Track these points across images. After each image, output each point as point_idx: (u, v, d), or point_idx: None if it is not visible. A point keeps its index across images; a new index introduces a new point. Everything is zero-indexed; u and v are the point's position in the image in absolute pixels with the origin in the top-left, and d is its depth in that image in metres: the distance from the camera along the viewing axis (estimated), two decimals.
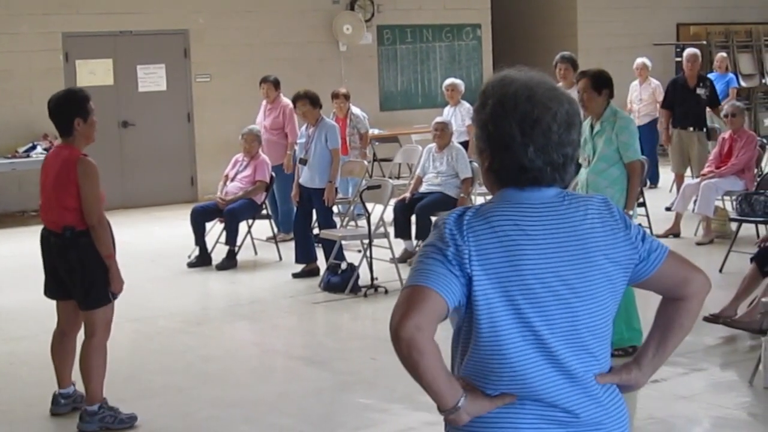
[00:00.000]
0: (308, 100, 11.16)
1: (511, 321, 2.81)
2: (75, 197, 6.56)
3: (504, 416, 2.84)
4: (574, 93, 8.21)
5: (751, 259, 8.28)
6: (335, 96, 13.87)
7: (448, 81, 15.01)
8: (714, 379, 7.25)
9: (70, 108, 6.64)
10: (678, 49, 20.13)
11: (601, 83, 7.72)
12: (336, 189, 11.15)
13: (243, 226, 11.94)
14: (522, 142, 2.84)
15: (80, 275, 6.58)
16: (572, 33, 20.79)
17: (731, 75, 18.59)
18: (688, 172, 13.76)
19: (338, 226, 11.55)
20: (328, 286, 10.30)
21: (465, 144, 13.21)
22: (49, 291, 6.91)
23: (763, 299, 7.46)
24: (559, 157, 2.88)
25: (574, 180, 7.94)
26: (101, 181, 6.76)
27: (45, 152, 14.97)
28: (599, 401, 2.88)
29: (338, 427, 6.66)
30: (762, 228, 10.59)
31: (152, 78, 16.74)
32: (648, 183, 16.49)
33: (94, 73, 16.23)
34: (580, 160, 8.02)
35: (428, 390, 2.77)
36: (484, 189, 14.03)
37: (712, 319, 8.19)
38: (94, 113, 6.74)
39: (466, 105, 14.47)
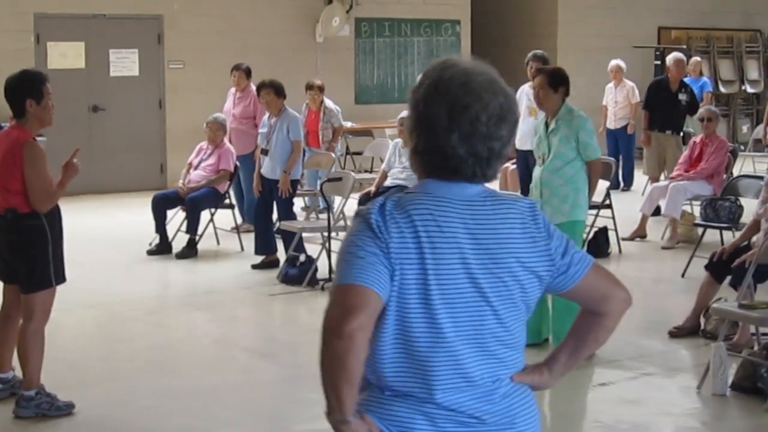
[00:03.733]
0: (273, 90, 11.03)
1: (420, 319, 2.74)
2: (19, 180, 6.41)
3: (404, 418, 2.76)
4: None
5: (705, 268, 8.20)
6: (309, 87, 13.75)
7: None
8: (663, 385, 7.15)
9: (23, 88, 6.52)
10: (658, 53, 20.08)
11: (557, 81, 7.62)
12: (300, 181, 11.02)
13: (206, 216, 11.81)
14: (447, 127, 2.77)
15: (22, 258, 6.44)
16: (552, 32, 20.69)
17: (705, 79, 18.58)
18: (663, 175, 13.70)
19: (304, 218, 11.43)
20: (286, 278, 10.18)
21: None
22: None
23: (714, 305, 7.37)
24: (484, 150, 2.79)
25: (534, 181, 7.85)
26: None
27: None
28: (502, 405, 2.82)
29: (279, 420, 6.56)
30: (727, 234, 10.50)
31: (124, 63, 16.58)
32: (622, 185, 16.47)
33: (65, 56, 16.08)
34: (536, 158, 7.94)
35: (333, 392, 2.69)
36: None
37: (677, 333, 8.12)
38: (50, 97, 6.60)
39: None
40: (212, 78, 16.55)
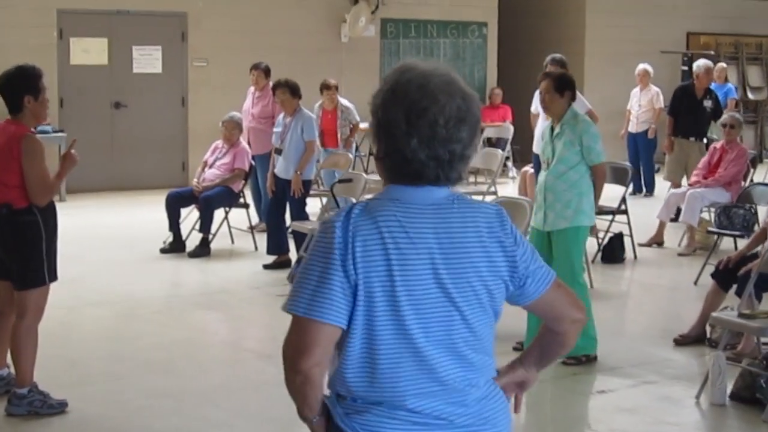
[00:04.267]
0: (288, 89, 11.01)
1: (389, 327, 2.73)
2: (17, 174, 6.39)
3: (375, 424, 2.76)
4: None
5: (712, 276, 8.10)
6: (327, 87, 13.70)
7: None
8: (661, 393, 7.04)
9: (20, 84, 6.51)
10: (686, 58, 19.91)
11: (563, 85, 7.54)
12: (318, 181, 10.97)
13: (220, 215, 11.80)
14: (406, 132, 2.74)
15: (17, 254, 6.42)
16: (579, 36, 20.55)
17: (730, 85, 18.39)
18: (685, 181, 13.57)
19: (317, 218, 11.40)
20: None
21: None
22: None
23: (714, 314, 7.26)
24: (445, 153, 2.76)
25: (538, 184, 7.78)
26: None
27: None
28: (476, 408, 2.80)
29: (269, 422, 6.50)
30: (741, 241, 10.36)
31: (148, 60, 16.61)
32: (644, 190, 16.35)
33: (88, 52, 16.12)
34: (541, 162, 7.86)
35: (299, 408, 2.83)
36: (466, 187, 13.89)
37: (682, 341, 8.03)
38: (46, 92, 6.59)
39: None
40: (236, 77, 16.50)
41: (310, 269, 2.75)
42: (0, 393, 6.74)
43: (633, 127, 16.40)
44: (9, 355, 6.64)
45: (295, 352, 2.73)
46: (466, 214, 2.80)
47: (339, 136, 13.63)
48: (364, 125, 14.62)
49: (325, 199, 13.23)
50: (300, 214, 10.86)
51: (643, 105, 16.34)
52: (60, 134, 15.04)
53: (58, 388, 6.69)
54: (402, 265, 2.71)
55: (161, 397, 6.88)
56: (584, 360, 7.52)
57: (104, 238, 12.51)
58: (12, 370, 6.75)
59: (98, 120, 16.15)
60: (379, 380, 2.74)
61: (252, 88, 13.26)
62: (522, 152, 17.89)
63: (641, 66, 16.56)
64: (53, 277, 6.56)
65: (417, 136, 2.73)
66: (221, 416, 6.54)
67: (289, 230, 11.01)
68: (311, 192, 11.38)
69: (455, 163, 2.78)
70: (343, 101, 13.86)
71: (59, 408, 6.53)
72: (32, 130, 6.64)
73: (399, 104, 2.75)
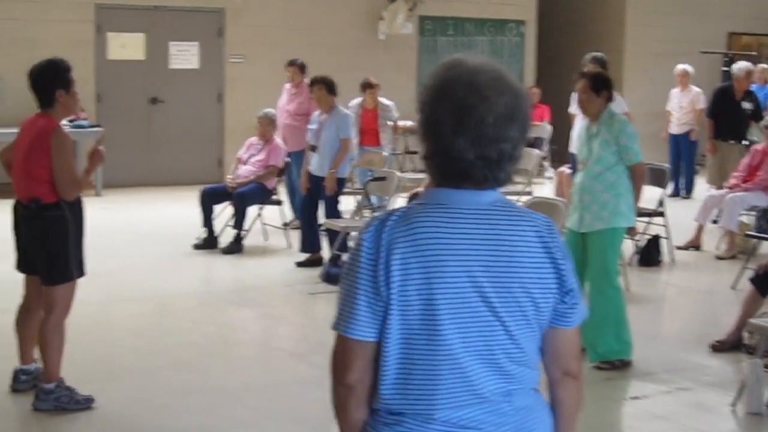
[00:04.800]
0: (324, 86, 10.94)
1: (425, 336, 2.64)
2: (46, 168, 6.34)
3: None
4: None
5: (750, 281, 7.95)
6: (369, 86, 13.62)
7: None
8: (696, 400, 6.89)
9: (52, 78, 6.45)
10: (726, 59, 19.66)
11: (599, 84, 7.41)
12: (353, 179, 10.90)
13: (254, 211, 11.75)
14: (453, 131, 2.64)
15: (44, 249, 6.38)
16: (619, 34, 20.36)
17: None
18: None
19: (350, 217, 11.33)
20: (328, 278, 10.07)
21: None
22: (19, 264, 6.73)
23: (751, 320, 7.11)
24: (493, 153, 2.65)
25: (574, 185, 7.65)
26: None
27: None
28: (515, 419, 2.70)
29: (298, 422, 6.42)
30: None
31: (185, 55, 16.61)
32: (683, 192, 16.15)
33: (125, 47, 16.14)
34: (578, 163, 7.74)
35: (339, 424, 2.81)
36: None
37: (719, 346, 7.89)
38: (76, 84, 6.54)
39: None
40: (272, 73, 16.42)
41: (342, 283, 2.73)
42: (27, 387, 6.70)
43: (674, 129, 16.21)
44: (37, 350, 6.61)
45: (340, 366, 2.73)
46: (515, 221, 2.69)
47: (381, 133, 13.57)
48: (402, 123, 14.57)
49: (359, 198, 13.19)
50: (333, 212, 10.78)
51: (684, 106, 16.14)
52: (96, 129, 15.07)
53: (85, 384, 6.66)
54: (441, 274, 2.62)
55: (189, 394, 6.82)
56: (618, 365, 7.39)
57: (138, 234, 12.50)
58: (40, 365, 6.71)
59: (135, 115, 16.17)
60: (414, 392, 2.66)
61: (287, 85, 13.20)
62: (559, 152, 17.74)
63: (681, 66, 16.35)
64: (80, 272, 6.52)
65: (464, 135, 2.63)
66: (249, 416, 6.47)
67: (322, 228, 10.93)
68: (345, 190, 11.29)
69: (504, 163, 2.68)
70: (383, 99, 13.78)
71: (85, 404, 6.49)
72: (62, 123, 6.58)
73: (446, 102, 2.65)
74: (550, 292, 2.71)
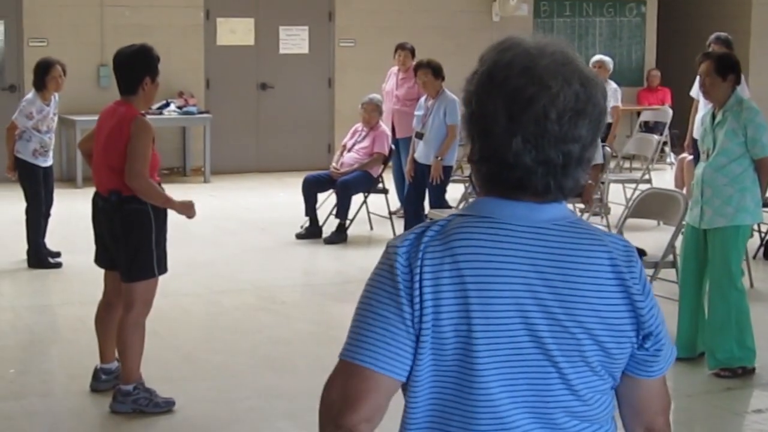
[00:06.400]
0: (431, 70, 10.52)
1: (461, 380, 2.11)
2: (125, 158, 5.99)
3: None
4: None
5: None
6: None
7: (596, 57, 14.06)
8: None
9: (142, 64, 6.13)
10: None
11: (725, 67, 6.76)
12: (461, 167, 10.44)
13: (359, 200, 11.36)
14: (507, 129, 2.10)
15: (124, 244, 6.04)
16: (745, 13, 19.41)
17: None
18: None
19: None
20: None
21: (608, 126, 12.34)
22: (98, 258, 6.43)
23: None
24: (558, 156, 2.11)
25: (695, 176, 7.04)
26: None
27: (178, 110, 14.73)
28: None
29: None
30: None
31: (294, 40, 16.29)
32: None
33: (235, 32, 15.89)
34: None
35: None
36: (617, 174, 13.14)
37: None
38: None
39: (613, 85, 13.54)
40: (383, 57, 15.94)
41: (366, 303, 2.15)
42: (108, 387, 6.39)
43: None
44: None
45: (339, 404, 2.15)
46: (583, 245, 2.14)
47: None
48: None
49: (467, 186, 12.72)
50: (439, 201, 10.34)
51: None
52: (206, 115, 14.93)
53: (167, 383, 6.37)
54: (483, 305, 2.08)
55: (275, 397, 6.43)
56: (740, 372, 6.78)
57: (242, 221, 12.22)
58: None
59: (244, 101, 15.93)
60: None
61: (394, 69, 12.77)
62: (681, 137, 16.99)
63: None
64: (163, 269, 6.16)
65: (521, 133, 2.09)
66: None
67: (428, 218, 10.49)
68: (452, 178, 10.83)
69: (571, 168, 2.13)
70: None
71: (165, 407, 6.15)
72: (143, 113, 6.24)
73: (497, 92, 2.11)
74: (625, 336, 2.16)
